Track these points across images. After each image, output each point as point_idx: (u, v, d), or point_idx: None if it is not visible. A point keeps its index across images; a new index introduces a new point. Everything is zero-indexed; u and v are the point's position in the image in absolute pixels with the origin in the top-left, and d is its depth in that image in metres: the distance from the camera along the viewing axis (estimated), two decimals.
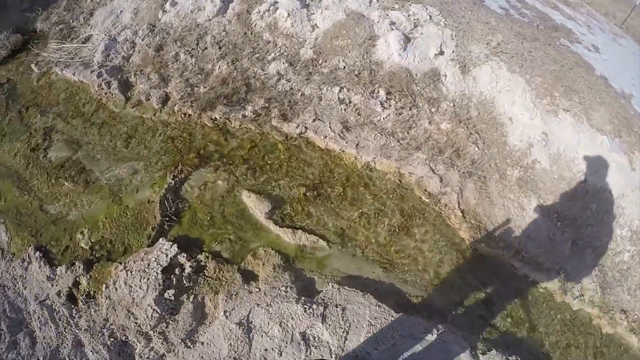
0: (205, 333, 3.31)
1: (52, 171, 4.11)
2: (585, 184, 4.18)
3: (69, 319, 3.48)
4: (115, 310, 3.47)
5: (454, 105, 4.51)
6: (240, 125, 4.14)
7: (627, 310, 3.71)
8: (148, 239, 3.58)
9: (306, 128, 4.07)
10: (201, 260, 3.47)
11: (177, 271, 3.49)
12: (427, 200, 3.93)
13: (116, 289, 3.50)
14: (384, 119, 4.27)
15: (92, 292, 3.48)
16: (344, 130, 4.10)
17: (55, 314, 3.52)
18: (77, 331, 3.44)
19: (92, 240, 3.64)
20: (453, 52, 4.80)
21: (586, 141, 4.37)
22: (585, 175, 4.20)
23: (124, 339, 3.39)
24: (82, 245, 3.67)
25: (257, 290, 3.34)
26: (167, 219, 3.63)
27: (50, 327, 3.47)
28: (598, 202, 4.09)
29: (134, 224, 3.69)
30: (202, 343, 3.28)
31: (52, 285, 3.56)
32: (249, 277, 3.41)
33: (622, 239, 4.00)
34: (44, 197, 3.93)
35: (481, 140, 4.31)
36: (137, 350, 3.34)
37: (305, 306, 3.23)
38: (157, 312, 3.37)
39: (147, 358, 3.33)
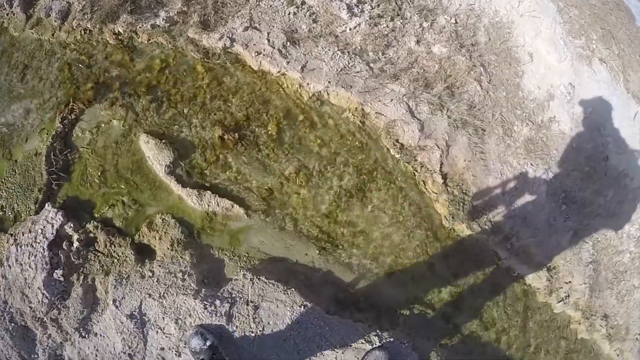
0: (98, 322, 2.44)
1: None
2: (606, 163, 2.67)
3: None
4: (11, 292, 2.71)
5: (456, 23, 2.76)
6: (149, 40, 2.74)
7: (609, 315, 2.61)
8: (35, 204, 2.63)
9: (233, 41, 2.59)
10: (90, 231, 2.51)
11: (65, 245, 2.56)
12: (396, 156, 2.52)
13: (9, 266, 2.71)
14: (350, 29, 2.64)
15: None
16: (287, 44, 2.56)
17: None
18: None
19: None
20: None
21: (619, 108, 2.75)
22: (608, 152, 2.68)
23: (24, 324, 2.75)
24: None
25: (150, 275, 2.34)
26: (55, 176, 2.61)
27: None
28: (615, 189, 2.66)
29: (21, 184, 2.70)
30: (96, 334, 2.44)
31: None
32: (144, 254, 2.39)
33: (628, 238, 2.65)
34: None
35: (487, 76, 2.66)
36: (37, 337, 2.67)
37: (205, 302, 2.20)
38: (46, 297, 2.53)
39: (47, 346, 2.65)
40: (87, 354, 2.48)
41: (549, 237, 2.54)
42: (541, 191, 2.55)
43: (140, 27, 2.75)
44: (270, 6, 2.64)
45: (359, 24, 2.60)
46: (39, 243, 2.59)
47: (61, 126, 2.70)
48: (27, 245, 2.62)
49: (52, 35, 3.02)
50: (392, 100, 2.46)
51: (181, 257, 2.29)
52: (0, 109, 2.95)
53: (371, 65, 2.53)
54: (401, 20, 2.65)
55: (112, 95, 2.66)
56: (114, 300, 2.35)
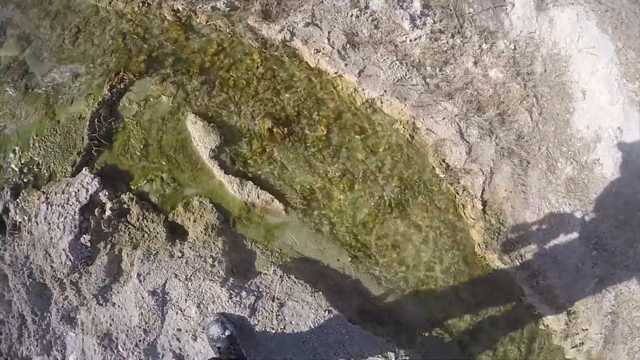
0: (118, 293, 2.40)
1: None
2: None
3: None
4: (35, 249, 2.65)
5: (515, 49, 2.68)
6: (207, 22, 2.69)
7: None
8: (72, 167, 2.57)
9: (293, 35, 2.54)
10: (124, 202, 2.46)
11: (96, 212, 2.51)
12: (441, 175, 2.46)
13: (37, 223, 2.65)
14: (411, 41, 2.58)
15: (18, 223, 2.74)
16: (347, 46, 2.51)
17: None
18: (1, 264, 2.84)
19: (22, 162, 2.70)
20: None
21: None
22: None
23: (42, 282, 2.71)
24: (13, 166, 2.75)
25: (180, 255, 2.29)
26: (96, 142, 2.56)
27: None
28: None
29: (61, 145, 2.65)
30: (114, 304, 2.40)
31: None
32: (176, 233, 2.34)
33: None
34: None
35: (538, 108, 2.59)
36: (54, 297, 2.62)
37: (232, 291, 2.15)
38: (70, 260, 2.49)
39: (62, 307, 2.62)
40: (102, 321, 2.45)
41: (575, 281, 2.48)
42: (575, 233, 2.49)
43: (199, 8, 2.71)
44: (334, 5, 2.59)
45: (420, 37, 2.55)
46: (70, 205, 2.56)
47: (109, 94, 2.66)
48: (58, 205, 2.59)
49: (109, 3, 2.98)
50: (444, 118, 2.41)
51: (213, 243, 2.25)
52: (49, 68, 2.95)
53: (427, 80, 2.48)
54: (461, 39, 2.60)
55: (164, 71, 2.62)
56: (139, 275, 2.31)
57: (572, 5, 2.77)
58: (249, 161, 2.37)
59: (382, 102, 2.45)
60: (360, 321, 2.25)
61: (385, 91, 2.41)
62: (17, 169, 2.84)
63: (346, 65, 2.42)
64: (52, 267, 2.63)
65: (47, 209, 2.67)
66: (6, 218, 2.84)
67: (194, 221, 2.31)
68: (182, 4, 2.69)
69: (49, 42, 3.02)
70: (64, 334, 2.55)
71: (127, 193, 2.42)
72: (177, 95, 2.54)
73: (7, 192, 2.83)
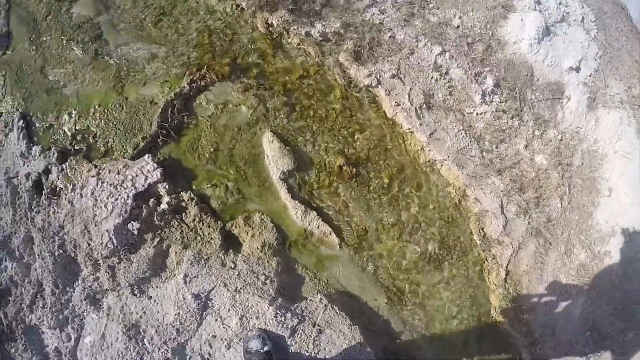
0: (156, 288, 2.40)
1: (67, 30, 2.88)
2: (638, 307, 2.92)
3: (27, 210, 2.63)
4: (73, 221, 2.55)
5: (561, 140, 2.96)
6: (298, 45, 2.74)
7: None
8: (133, 150, 2.52)
9: (379, 82, 2.66)
10: (183, 200, 2.45)
11: (151, 202, 2.47)
12: (477, 241, 2.68)
13: (81, 195, 2.55)
14: (477, 114, 2.78)
15: (58, 189, 2.61)
16: (424, 106, 2.68)
17: (17, 197, 2.64)
18: (31, 226, 2.67)
19: (77, 128, 2.61)
20: (590, 75, 3.09)
21: None
22: None
23: (73, 256, 2.60)
24: (65, 129, 2.64)
25: (232, 266, 2.34)
26: (164, 131, 2.52)
27: (9, 210, 2.64)
28: (636, 333, 2.89)
29: (125, 123, 2.59)
30: (150, 298, 2.40)
31: (24, 164, 2.63)
32: (230, 243, 2.39)
33: None
34: (49, 58, 2.80)
35: (569, 197, 2.88)
36: (82, 274, 2.53)
37: (278, 311, 2.25)
38: (112, 243, 2.43)
39: (89, 287, 2.53)
40: (132, 311, 2.42)
41: (565, 355, 2.80)
42: (576, 313, 2.81)
43: (294, 29, 2.74)
44: (419, 64, 2.73)
45: (486, 112, 2.75)
46: (125, 189, 2.50)
47: (187, 87, 2.63)
48: (110, 184, 2.52)
49: None
50: (491, 192, 2.63)
51: (268, 262, 2.30)
52: (125, 40, 2.85)
53: (484, 154, 2.69)
54: (519, 121, 2.83)
55: (247, 82, 2.63)
56: (185, 276, 2.32)
57: (617, 108, 3.11)
58: (314, 191, 2.46)
59: (442, 165, 2.63)
60: (383, 358, 2.41)
61: (448, 156, 2.59)
62: (69, 133, 2.73)
63: (420, 124, 2.57)
64: (89, 244, 2.55)
65: (97, 184, 2.58)
66: (45, 179, 2.73)
67: (252, 236, 2.35)
68: (278, 20, 2.72)
69: (128, 14, 2.92)
70: (85, 313, 2.50)
71: (188, 192, 2.43)
72: (258, 109, 2.57)
73: (53, 154, 2.70)
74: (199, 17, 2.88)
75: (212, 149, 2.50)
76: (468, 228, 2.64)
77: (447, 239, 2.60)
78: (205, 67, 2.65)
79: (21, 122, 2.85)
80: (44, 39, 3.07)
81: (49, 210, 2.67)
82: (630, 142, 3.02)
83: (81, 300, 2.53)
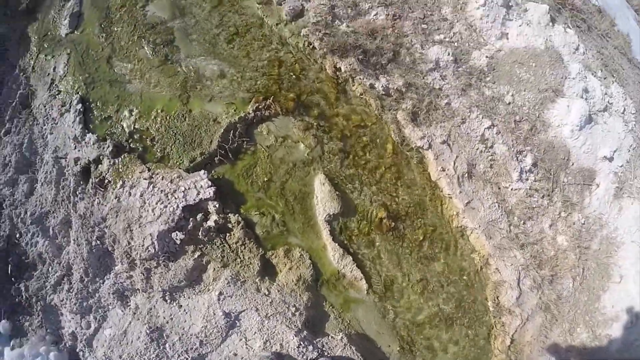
0: (188, 299, 2.50)
1: (140, 26, 2.95)
2: None
3: (70, 194, 2.69)
4: (117, 216, 2.63)
5: (584, 224, 3.07)
6: (361, 95, 2.83)
7: None
8: (190, 162, 2.61)
9: (430, 146, 2.77)
10: (230, 222, 2.53)
11: (199, 217, 2.56)
12: (490, 308, 2.80)
13: (130, 194, 2.63)
14: (512, 190, 2.90)
15: (107, 181, 2.65)
16: (465, 175, 2.80)
17: (62, 179, 2.72)
18: (72, 210, 2.69)
19: (136, 127, 2.69)
20: (622, 166, 3.21)
21: None
22: None
23: (109, 250, 2.64)
24: (124, 125, 2.73)
25: (266, 293, 2.42)
26: (223, 152, 2.61)
27: (52, 189, 2.70)
28: None
29: (185, 135, 2.67)
30: (180, 306, 2.49)
31: (75, 148, 2.71)
32: (267, 271, 2.50)
33: None
34: (117, 50, 2.87)
35: (581, 279, 3.00)
36: (115, 268, 2.58)
37: (302, 342, 2.36)
38: (154, 247, 2.52)
39: (121, 282, 2.59)
40: (160, 315, 2.49)
41: None
42: None
43: (359, 78, 2.83)
44: (468, 133, 2.85)
45: (520, 189, 2.88)
46: (175, 198, 2.56)
47: (252, 114, 2.70)
48: (161, 191, 2.58)
49: (277, 24, 3.01)
50: (512, 264, 2.76)
51: (300, 295, 2.40)
52: (196, 52, 2.91)
53: (511, 228, 2.82)
54: (548, 201, 2.97)
55: (309, 120, 2.73)
56: (220, 294, 2.41)
57: None
58: (353, 237, 2.56)
59: (471, 233, 2.76)
60: None
61: (479, 226, 2.72)
62: (127, 130, 2.78)
63: (460, 192, 2.70)
64: (129, 243, 2.62)
65: (148, 187, 2.64)
66: (94, 169, 2.77)
67: (289, 269, 2.44)
68: (346, 67, 2.80)
69: (202, 26, 2.98)
70: (110, 306, 2.60)
71: (236, 215, 2.51)
72: (315, 149, 2.66)
73: (108, 146, 2.75)
74: (271, 46, 2.96)
75: (265, 179, 2.59)
76: (484, 294, 2.77)
77: (463, 301, 2.72)
78: (272, 98, 2.73)
79: (79, 105, 2.88)
80: (115, 29, 3.09)
81: (94, 200, 2.72)
82: None
83: (109, 293, 2.60)
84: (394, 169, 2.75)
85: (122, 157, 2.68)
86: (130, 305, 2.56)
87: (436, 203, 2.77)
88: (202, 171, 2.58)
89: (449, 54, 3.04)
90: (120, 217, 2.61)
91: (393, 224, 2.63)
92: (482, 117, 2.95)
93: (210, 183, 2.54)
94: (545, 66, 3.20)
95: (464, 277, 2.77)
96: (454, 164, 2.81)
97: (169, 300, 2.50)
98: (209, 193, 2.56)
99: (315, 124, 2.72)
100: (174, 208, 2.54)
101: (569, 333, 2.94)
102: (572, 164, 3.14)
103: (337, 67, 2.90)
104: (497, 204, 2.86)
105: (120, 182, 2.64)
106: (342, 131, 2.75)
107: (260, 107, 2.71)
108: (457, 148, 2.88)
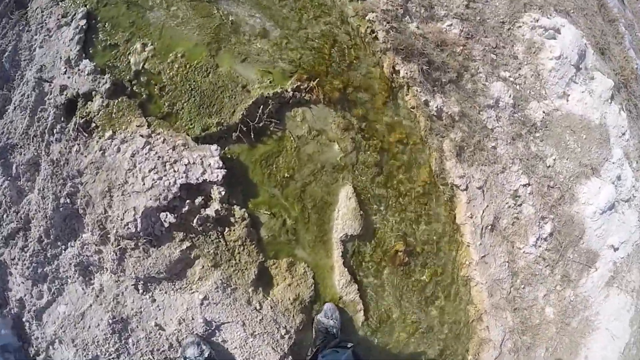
0: (165, 294, 2.02)
1: None
2: None
3: (46, 130, 2.02)
4: (96, 174, 2.01)
5: (571, 302, 2.99)
6: (412, 108, 2.41)
7: None
8: (201, 131, 2.05)
9: (467, 188, 2.47)
10: (234, 215, 2.05)
11: (198, 201, 2.03)
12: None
13: (119, 150, 2.01)
14: (524, 253, 2.72)
15: (93, 125, 2.02)
16: (489, 228, 2.54)
17: (41, 108, 2.04)
18: (43, 151, 2.03)
19: (145, 67, 2.05)
20: (622, 257, 3.16)
21: None
22: None
23: (80, 213, 2.04)
24: (131, 60, 2.07)
25: (258, 307, 2.04)
26: (245, 128, 2.09)
27: (25, 117, 2.02)
28: None
29: (204, 95, 2.08)
30: (154, 300, 2.01)
31: (65, 73, 2.02)
32: (262, 281, 2.07)
33: None
34: None
35: (552, 351, 2.91)
36: (83, 237, 2.00)
37: None
38: (135, 225, 1.95)
39: (87, 255, 2.00)
40: (127, 305, 2.03)
41: None
42: None
43: (416, 90, 2.41)
44: (503, 185, 2.59)
45: (530, 254, 2.71)
46: (175, 172, 2.02)
47: (290, 92, 2.18)
48: (159, 157, 2.03)
49: None
50: (501, 325, 2.62)
51: (293, 316, 2.04)
52: (239, 3, 2.23)
53: (511, 289, 2.66)
54: (549, 271, 2.84)
55: (351, 120, 2.27)
56: (205, 298, 1.98)
57: (627, 294, 3.23)
58: (364, 263, 2.22)
59: (475, 285, 2.55)
60: None
61: (486, 282, 2.51)
62: (133, 68, 2.14)
63: (480, 244, 2.45)
64: (105, 211, 2.05)
65: (144, 148, 2.06)
66: (81, 105, 2.12)
67: (289, 285, 2.06)
68: (406, 72, 2.36)
69: None
70: (69, 280, 2.06)
71: (243, 210, 2.04)
72: (349, 156, 2.23)
73: (106, 82, 2.11)
74: (328, 19, 2.41)
75: (286, 174, 2.13)
76: (467, 347, 2.62)
77: (447, 349, 2.55)
78: (316, 80, 2.22)
79: (84, 21, 2.17)
80: None
81: (73, 146, 2.09)
82: (623, 326, 3.20)
83: (71, 264, 2.05)
84: (423, 200, 2.42)
85: (120, 99, 2.04)
86: (94, 284, 2.00)
87: (451, 247, 2.52)
88: (215, 146, 2.03)
89: (510, 96, 2.71)
90: (101, 175, 2.01)
91: (407, 259, 2.34)
92: (521, 173, 2.69)
93: (221, 163, 2.01)
94: (593, 142, 3.01)
95: (454, 327, 2.60)
96: (483, 213, 2.55)
97: (141, 291, 2.00)
98: (218, 175, 2.04)
99: (357, 125, 2.27)
100: (170, 183, 2.00)
101: None
102: (583, 243, 3.02)
103: (396, 69, 2.44)
104: (507, 263, 2.67)
105: (110, 132, 2.01)
106: (382, 142, 2.33)
107: (301, 87, 2.20)
108: (490, 197, 2.61)
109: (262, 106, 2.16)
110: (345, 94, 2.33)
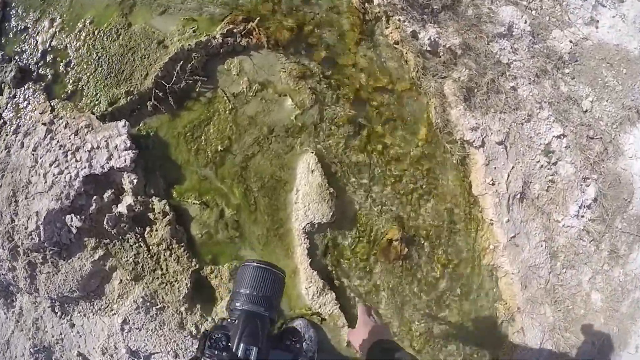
0: (84, 317, 1.00)
1: None
2: None
3: None
4: (2, 177, 0.95)
5: (621, 282, 1.46)
6: (395, 44, 1.17)
7: None
8: (108, 104, 0.99)
9: (482, 144, 1.21)
10: (153, 210, 0.98)
11: (106, 196, 0.97)
12: None
13: (22, 145, 0.96)
14: (564, 226, 1.34)
15: (1, 122, 0.96)
16: (518, 196, 1.23)
17: None
18: None
19: (52, 43, 1.00)
20: None
21: None
22: None
23: None
24: (39, 40, 1.02)
25: (193, 333, 0.97)
26: (162, 94, 1.01)
27: None
28: None
29: (112, 61, 1.02)
30: (73, 325, 0.99)
31: None
32: (199, 295, 1.01)
33: None
34: None
35: (599, 344, 1.47)
36: None
37: None
38: (38, 234, 0.92)
39: (2, 274, 0.93)
40: (47, 331, 1.05)
41: None
42: None
43: (398, 20, 1.21)
44: (531, 137, 1.31)
45: (572, 227, 1.39)
46: (77, 162, 1.02)
47: (219, 39, 1.08)
48: (60, 146, 1.03)
49: None
50: (539, 324, 1.34)
51: None
52: None
53: (550, 276, 1.36)
54: (595, 248, 1.46)
55: (308, 65, 1.09)
56: (125, 322, 0.96)
57: None
58: (343, 261, 1.06)
59: (504, 275, 1.29)
60: None
61: (518, 271, 1.27)
62: (40, 48, 1.12)
63: (507, 220, 1.21)
64: (12, 220, 1.07)
65: (45, 138, 1.06)
66: None
67: None
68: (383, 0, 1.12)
69: None
70: None
71: (164, 202, 0.97)
72: (309, 112, 1.07)
73: (11, 70, 1.11)
74: None
75: (220, 147, 1.00)
76: (496, 354, 1.32)
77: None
78: (256, 20, 1.08)
79: None
80: None
81: None
82: None
83: None
84: (424, 167, 1.15)
85: (26, 86, 1.01)
86: (15, 307, 1.00)
87: (469, 227, 1.20)
88: (122, 122, 0.96)
89: (525, 22, 1.36)
90: (6, 178, 1.00)
91: (406, 249, 1.09)
92: (553, 120, 1.32)
93: (129, 143, 0.94)
94: (637, 77, 1.53)
95: (478, 334, 1.28)
96: (508, 177, 1.23)
97: (59, 314, 0.99)
98: (126, 159, 0.97)
99: (317, 71, 1.07)
100: (71, 176, 0.97)
101: None
102: (632, 209, 1.54)
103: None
104: (544, 242, 1.30)
105: (15, 125, 1.03)
106: (358, 92, 1.10)
107: (235, 30, 1.07)
108: (515, 155, 1.29)
109: (182, 62, 1.06)
110: (301, 36, 1.18)
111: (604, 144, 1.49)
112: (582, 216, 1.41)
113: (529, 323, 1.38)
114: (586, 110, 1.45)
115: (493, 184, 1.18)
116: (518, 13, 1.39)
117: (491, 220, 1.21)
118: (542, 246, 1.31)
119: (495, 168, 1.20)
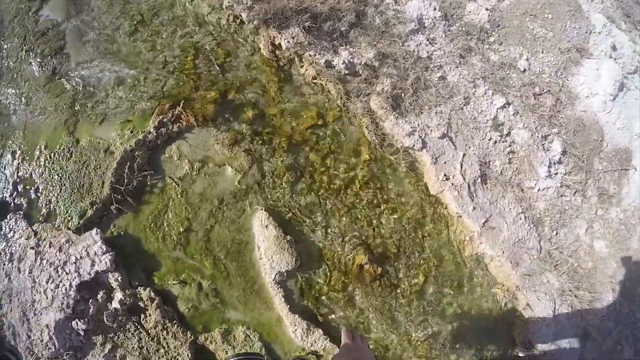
0: None
1: (30, 37, 1.24)
2: None
3: None
4: (10, 302, 1.06)
5: (621, 220, 1.36)
6: (314, 79, 1.16)
7: None
8: (79, 218, 1.05)
9: (424, 145, 1.12)
10: (141, 299, 1.03)
11: (100, 296, 1.03)
12: (520, 354, 1.18)
13: (19, 270, 1.05)
14: (539, 190, 1.24)
15: None
16: (478, 180, 1.15)
17: None
18: None
19: (19, 175, 1.09)
20: None
21: None
22: None
23: (12, 345, 1.18)
24: (7, 173, 1.11)
25: None
26: (120, 197, 1.04)
27: None
28: None
29: (72, 177, 1.08)
30: None
31: None
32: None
33: None
34: (5, 73, 1.19)
35: (620, 289, 1.34)
36: None
37: None
38: (53, 344, 1.00)
39: None
40: None
41: None
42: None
43: (309, 56, 1.18)
44: (474, 118, 1.21)
45: (549, 188, 1.26)
46: (67, 274, 1.09)
47: (154, 133, 1.12)
48: (50, 264, 1.10)
49: (192, 1, 1.30)
50: (545, 294, 1.20)
51: None
52: (88, 57, 1.25)
53: (541, 244, 1.25)
54: (581, 198, 1.32)
55: (239, 128, 1.11)
56: None
57: None
58: (322, 298, 1.04)
59: (491, 260, 1.19)
60: None
61: (502, 252, 1.15)
62: (10, 180, 1.20)
63: (473, 208, 1.12)
64: (28, 336, 1.15)
65: (36, 260, 1.14)
66: None
67: None
68: (288, 41, 1.14)
69: (100, 21, 1.31)
70: None
71: (148, 290, 1.00)
72: (249, 173, 1.07)
73: None
74: (185, 29, 1.29)
75: (182, 229, 1.03)
76: (512, 338, 1.17)
77: (482, 351, 1.14)
78: (181, 104, 1.12)
79: None
80: (5, 46, 1.47)
81: None
82: None
83: None
84: (374, 185, 1.11)
85: (8, 217, 1.13)
86: None
87: (439, 226, 1.14)
88: (94, 230, 1.03)
89: (434, 9, 1.24)
90: (14, 302, 1.12)
91: (379, 268, 1.05)
92: (492, 93, 1.21)
93: (104, 248, 1.00)
94: (565, 18, 1.37)
95: (484, 322, 1.15)
96: (461, 166, 1.14)
97: None
98: (106, 262, 1.03)
99: (248, 132, 1.08)
100: (66, 288, 1.05)
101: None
102: (607, 145, 1.37)
103: (276, 43, 1.18)
104: (523, 214, 1.19)
105: (9, 254, 1.16)
106: (290, 137, 1.09)
107: (165, 119, 1.09)
108: (463, 142, 1.18)
109: (128, 163, 1.10)
110: (225, 102, 1.20)
111: (554, 95, 1.35)
112: (556, 173, 1.29)
113: (533, 298, 1.21)
114: (524, 70, 1.32)
115: (447, 179, 1.11)
116: (425, 2, 1.29)
117: (457, 213, 1.15)
118: (521, 219, 1.20)
119: (445, 162, 1.12)
